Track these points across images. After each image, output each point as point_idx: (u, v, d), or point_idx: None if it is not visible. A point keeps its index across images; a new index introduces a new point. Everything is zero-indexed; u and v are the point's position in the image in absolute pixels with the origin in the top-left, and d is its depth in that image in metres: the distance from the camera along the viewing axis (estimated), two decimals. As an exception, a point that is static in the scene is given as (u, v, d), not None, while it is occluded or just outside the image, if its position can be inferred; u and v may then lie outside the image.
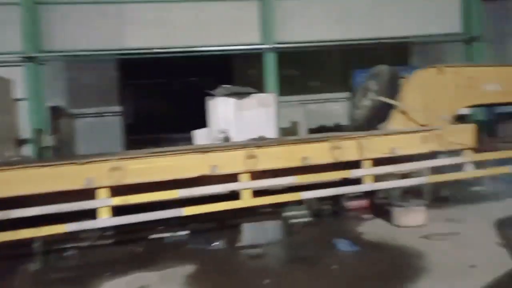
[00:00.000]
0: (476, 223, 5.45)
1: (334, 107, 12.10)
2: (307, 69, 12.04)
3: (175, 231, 5.66)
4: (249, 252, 4.96)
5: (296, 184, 5.27)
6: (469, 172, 5.94)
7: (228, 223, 5.77)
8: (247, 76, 11.28)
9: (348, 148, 5.33)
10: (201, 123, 7.82)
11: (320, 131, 10.40)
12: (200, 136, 7.73)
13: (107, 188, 4.62)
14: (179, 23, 9.46)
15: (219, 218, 5.75)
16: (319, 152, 5.23)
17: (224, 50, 9.74)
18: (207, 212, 4.91)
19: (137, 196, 4.68)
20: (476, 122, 6.75)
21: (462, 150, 5.87)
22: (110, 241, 5.49)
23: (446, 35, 10.54)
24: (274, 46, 9.52)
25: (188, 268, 4.53)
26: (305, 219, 6.03)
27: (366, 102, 6.52)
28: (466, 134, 5.89)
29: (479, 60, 9.98)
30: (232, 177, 4.96)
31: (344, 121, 11.61)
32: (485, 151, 6.02)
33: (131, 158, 4.80)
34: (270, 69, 9.47)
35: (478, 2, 10.33)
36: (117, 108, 11.29)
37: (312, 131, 10.82)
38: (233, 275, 4.37)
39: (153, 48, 9.45)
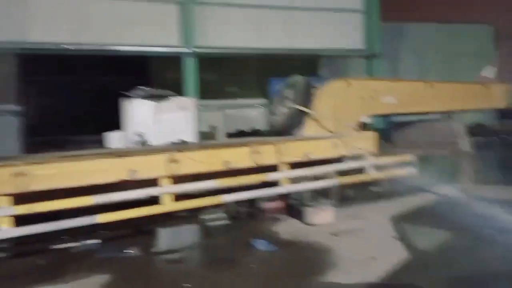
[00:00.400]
0: (376, 219, 6.08)
1: (251, 112, 12.46)
2: (226, 75, 12.23)
3: (83, 240, 5.25)
4: (167, 257, 4.88)
5: (217, 188, 5.35)
6: (371, 174, 6.65)
7: (142, 229, 5.58)
8: (166, 79, 11.05)
9: (267, 152, 5.59)
10: (114, 125, 7.46)
11: (238, 135, 10.62)
12: (113, 139, 7.37)
13: (9, 196, 4.21)
14: (93, 19, 8.93)
15: (132, 224, 5.52)
16: (240, 156, 5.41)
17: (141, 51, 9.45)
18: (123, 218, 4.73)
19: (45, 204, 4.34)
20: (375, 129, 7.55)
21: (364, 154, 6.55)
22: (6, 254, 4.85)
23: (350, 50, 11.59)
24: (193, 50, 9.51)
25: (101, 278, 4.29)
26: (223, 222, 6.13)
27: (283, 110, 6.89)
28: (368, 140, 6.63)
29: (378, 74, 11.17)
30: (152, 182, 4.86)
31: (260, 126, 12.02)
32: (383, 155, 6.81)
33: (39, 162, 4.43)
34: (190, 73, 9.43)
35: (378, 23, 11.56)
36: (15, 107, 10.18)
37: (230, 135, 11.01)
38: (151, 281, 4.27)
39: (60, 44, 8.78)
